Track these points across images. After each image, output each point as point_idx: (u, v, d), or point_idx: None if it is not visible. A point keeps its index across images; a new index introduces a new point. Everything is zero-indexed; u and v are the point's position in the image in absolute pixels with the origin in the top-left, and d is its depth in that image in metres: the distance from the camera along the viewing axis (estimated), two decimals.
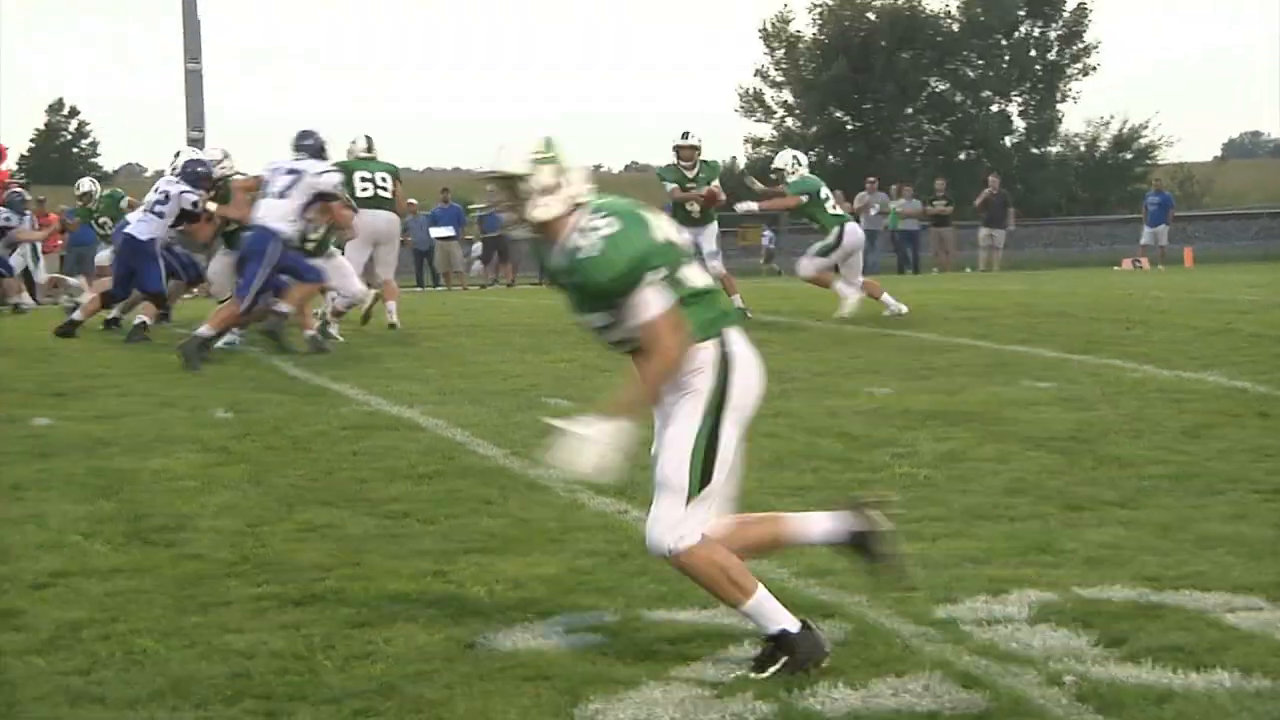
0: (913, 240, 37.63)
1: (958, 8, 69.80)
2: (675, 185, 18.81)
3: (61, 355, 15.76)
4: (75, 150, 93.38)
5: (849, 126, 70.21)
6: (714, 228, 18.96)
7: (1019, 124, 71.25)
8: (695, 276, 5.28)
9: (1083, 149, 70.79)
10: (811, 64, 69.19)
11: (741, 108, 71.01)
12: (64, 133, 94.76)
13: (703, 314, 5.23)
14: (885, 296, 18.54)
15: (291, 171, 15.64)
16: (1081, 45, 69.89)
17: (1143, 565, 6.43)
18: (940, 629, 5.58)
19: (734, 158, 71.14)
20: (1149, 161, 68.13)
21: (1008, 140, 70.73)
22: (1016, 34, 70.01)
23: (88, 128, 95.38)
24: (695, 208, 18.74)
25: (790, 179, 19.12)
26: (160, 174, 19.70)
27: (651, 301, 5.13)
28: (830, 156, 69.58)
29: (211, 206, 17.46)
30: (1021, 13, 69.51)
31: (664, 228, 5.26)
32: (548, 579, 6.41)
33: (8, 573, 6.67)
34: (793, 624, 5.21)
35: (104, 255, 23.19)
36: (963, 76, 70.50)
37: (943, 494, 7.95)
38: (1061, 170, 69.70)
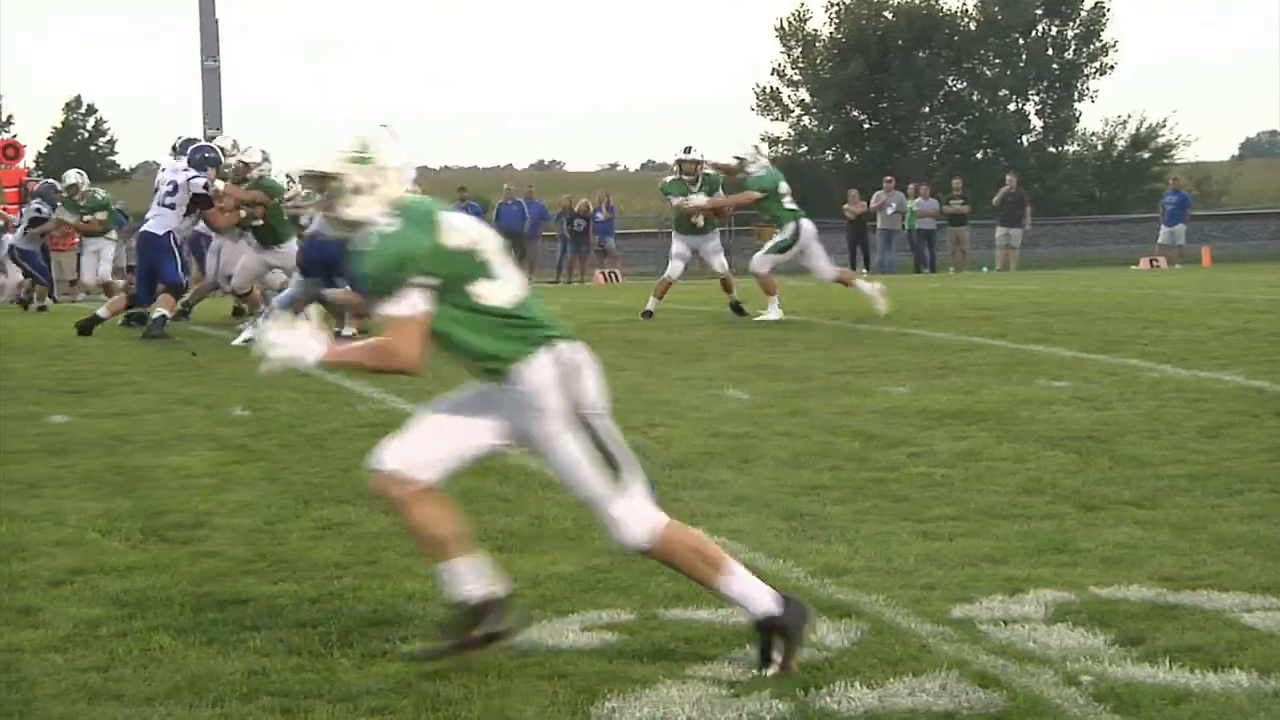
0: (929, 239, 37.60)
1: (975, 7, 69.63)
2: (681, 198, 18.97)
3: (79, 353, 15.80)
4: (93, 148, 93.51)
5: (866, 125, 70.07)
6: (716, 236, 19.30)
7: (1036, 123, 71.08)
8: (498, 295, 5.25)
9: (1100, 148, 70.58)
10: (828, 63, 69.05)
11: (758, 106, 70.94)
12: (81, 130, 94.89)
13: (518, 333, 5.23)
14: (858, 282, 18.71)
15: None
16: (1099, 44, 69.68)
17: (1160, 565, 6.42)
18: (957, 628, 5.58)
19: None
20: (1166, 161, 67.87)
21: (1025, 139, 70.54)
22: (1034, 33, 69.81)
23: (105, 125, 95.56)
24: (700, 220, 18.90)
25: (751, 168, 18.96)
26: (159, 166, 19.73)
27: (402, 301, 5.14)
28: (847, 155, 69.51)
29: (220, 185, 17.54)
30: (1039, 11, 69.31)
31: (460, 237, 5.23)
32: (565, 577, 6.42)
33: (25, 570, 6.69)
34: (774, 602, 5.24)
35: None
36: (980, 75, 70.34)
37: (959, 493, 7.94)
38: (1079, 169, 69.52)
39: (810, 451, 9.19)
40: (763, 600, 5.26)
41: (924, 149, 69.84)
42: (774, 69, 70.63)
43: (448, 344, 5.30)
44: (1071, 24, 69.68)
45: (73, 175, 24.01)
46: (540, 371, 5.22)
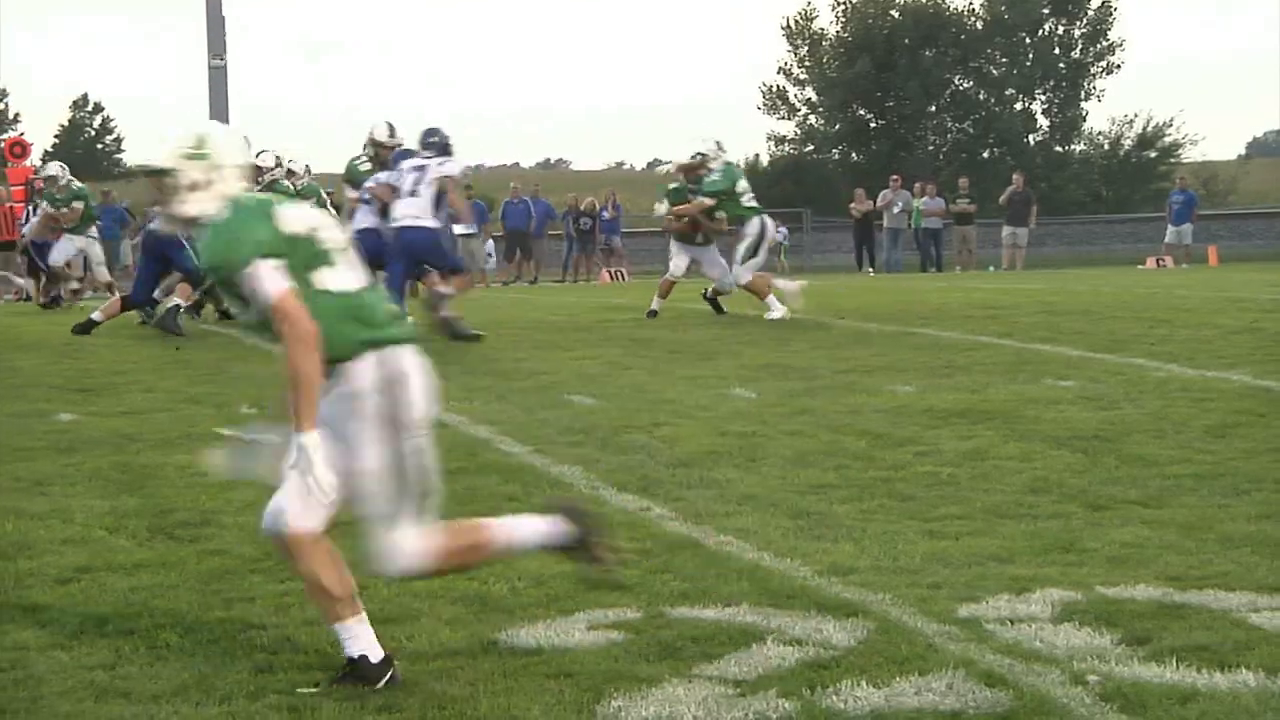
0: (936, 238, 37.61)
1: (982, 5, 69.67)
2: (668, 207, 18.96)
3: (87, 351, 15.80)
4: (99, 146, 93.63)
5: (872, 124, 70.11)
6: (713, 248, 19.06)
7: (1043, 122, 71.10)
8: (341, 282, 5.22)
9: (1107, 147, 70.59)
10: (835, 61, 69.09)
11: (765, 105, 70.97)
12: (88, 129, 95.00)
13: (351, 328, 5.17)
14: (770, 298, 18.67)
15: (418, 168, 16.15)
16: (1105, 43, 69.70)
17: (1166, 565, 6.42)
18: (963, 628, 5.58)
19: (757, 155, 71.17)
20: (1173, 160, 67.88)
21: (1031, 138, 70.56)
22: (1040, 32, 69.84)
23: (112, 124, 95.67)
24: (701, 237, 18.85)
25: (712, 164, 18.89)
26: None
27: (265, 280, 5.06)
28: (853, 154, 69.56)
29: None
30: (1046, 11, 69.35)
31: (297, 224, 5.19)
32: (570, 576, 6.40)
33: (33, 568, 6.70)
34: (555, 523, 5.47)
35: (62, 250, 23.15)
36: (987, 74, 70.36)
37: (965, 492, 7.95)
38: (1085, 169, 69.51)
39: (817, 450, 9.19)
40: (542, 530, 5.44)
41: (930, 148, 69.88)
42: (780, 68, 70.71)
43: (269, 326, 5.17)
44: (1078, 23, 69.73)
45: (53, 168, 24.05)
46: (363, 374, 5.18)
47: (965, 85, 70.58)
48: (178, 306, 17.28)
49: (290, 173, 20.07)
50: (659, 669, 5.18)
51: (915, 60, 67.27)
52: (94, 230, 23.76)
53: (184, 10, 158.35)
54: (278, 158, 19.16)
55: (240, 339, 17.00)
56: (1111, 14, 69.41)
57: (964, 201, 37.90)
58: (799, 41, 70.17)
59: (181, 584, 6.39)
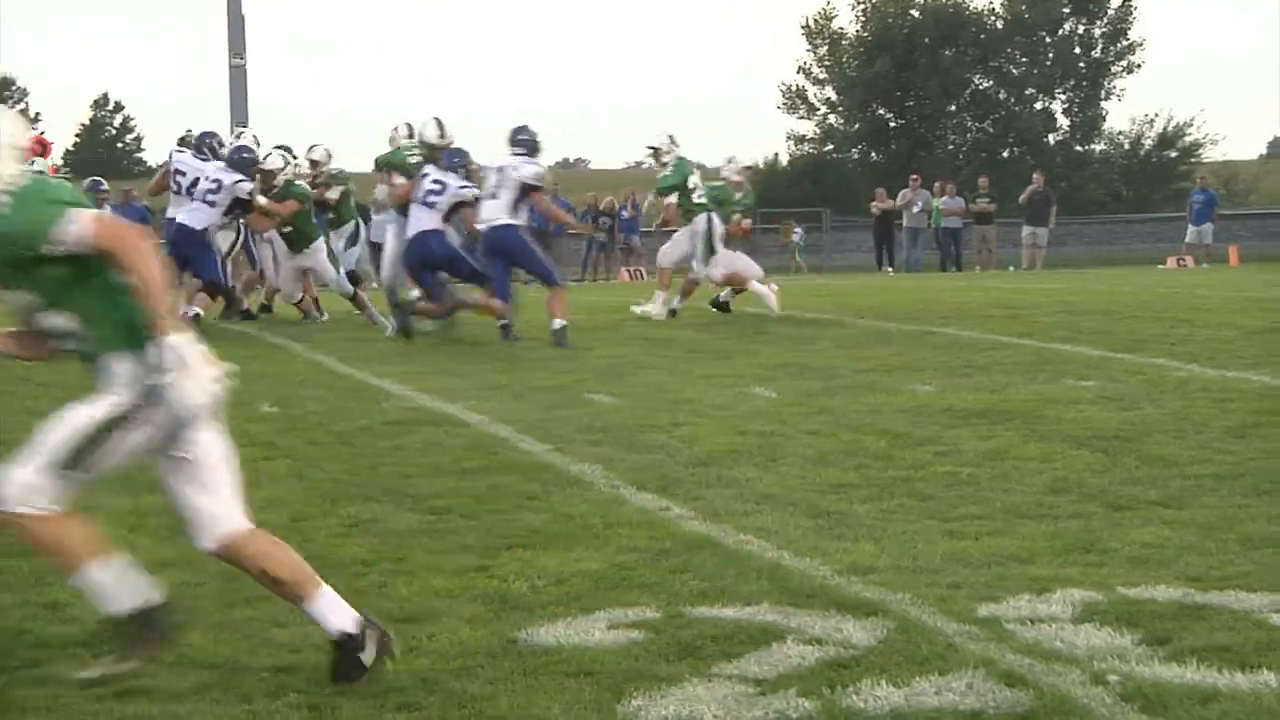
0: (955, 238, 37.57)
1: (1002, 5, 69.60)
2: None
3: None
4: (120, 145, 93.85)
5: (892, 124, 70.05)
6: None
7: (1063, 122, 71.02)
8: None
9: (1127, 147, 70.47)
10: (855, 61, 69.03)
11: (784, 104, 70.93)
12: (109, 128, 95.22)
13: (122, 320, 5.04)
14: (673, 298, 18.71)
15: (499, 170, 16.45)
16: (1126, 43, 69.60)
17: (1187, 565, 6.41)
18: (983, 627, 5.57)
19: (776, 155, 71.14)
20: (1193, 160, 67.72)
21: (1051, 138, 70.47)
22: (1061, 31, 69.74)
23: (132, 123, 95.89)
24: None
25: (665, 159, 18.90)
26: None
27: (78, 222, 4.90)
28: (873, 154, 69.51)
29: (261, 200, 17.77)
30: (1066, 10, 69.23)
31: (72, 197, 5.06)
32: (590, 575, 6.42)
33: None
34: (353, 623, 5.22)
35: None
36: (1006, 74, 70.27)
37: (985, 492, 7.93)
38: (1105, 168, 69.40)
39: (836, 450, 9.18)
40: (342, 619, 5.21)
41: (950, 147, 69.83)
42: (800, 67, 70.65)
43: (66, 305, 5.08)
44: (1099, 22, 69.64)
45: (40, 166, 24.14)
46: (127, 366, 5.06)
47: (985, 85, 70.51)
48: (197, 316, 17.34)
49: (314, 162, 20.11)
50: (679, 668, 5.18)
51: (935, 59, 67.20)
52: None
53: (181, 10, 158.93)
54: (284, 157, 19.20)
55: (257, 337, 17.05)
56: (1132, 13, 69.34)
57: (984, 201, 37.86)
58: (819, 41, 70.12)
59: (202, 582, 6.40)
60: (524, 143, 16.72)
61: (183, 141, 19.88)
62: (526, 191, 16.52)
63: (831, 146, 70.64)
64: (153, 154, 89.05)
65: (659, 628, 5.66)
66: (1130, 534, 6.97)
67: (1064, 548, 6.75)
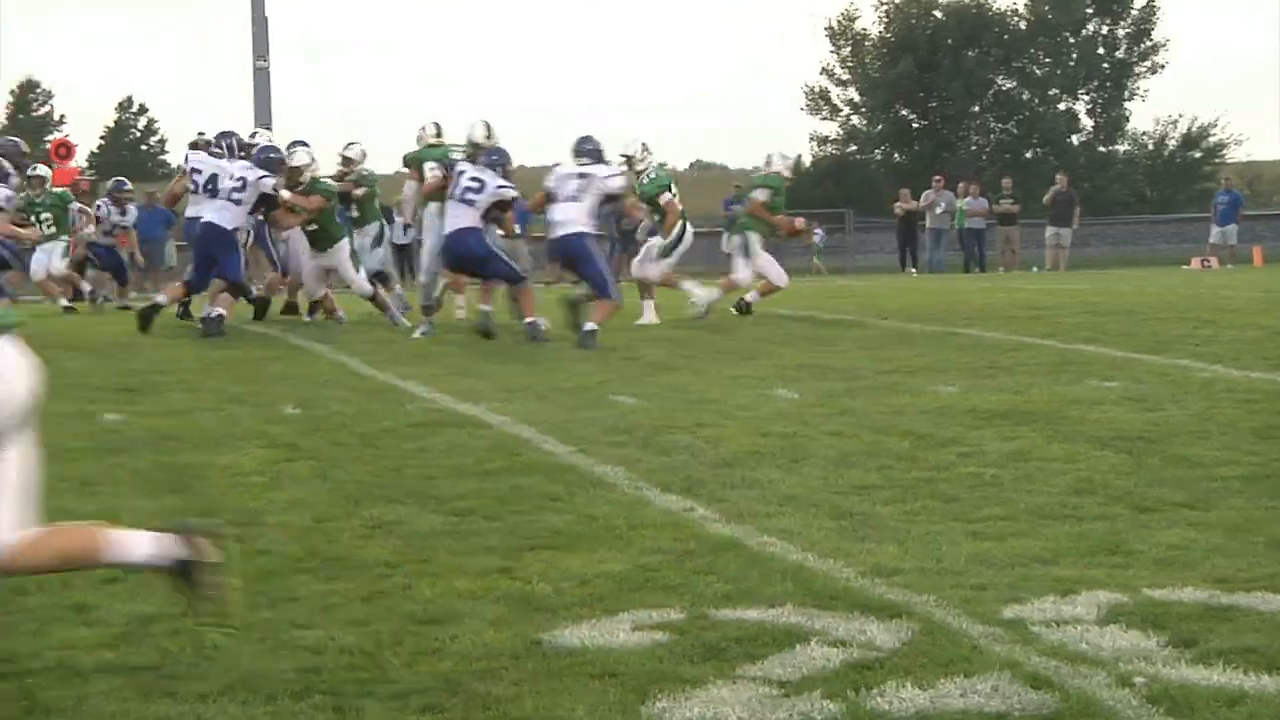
0: (979, 239, 37.53)
1: (1025, 5, 69.49)
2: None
3: (131, 351, 15.88)
4: (144, 147, 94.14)
5: (915, 125, 69.98)
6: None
7: (1086, 122, 70.87)
8: None
9: (1151, 147, 70.32)
10: (878, 62, 68.97)
11: (807, 106, 70.91)
12: (133, 130, 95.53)
13: None
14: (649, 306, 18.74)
15: (581, 175, 16.63)
16: (1150, 43, 69.44)
17: (1213, 566, 6.38)
18: (1008, 629, 5.55)
19: (799, 155, 71.11)
20: (1218, 160, 67.57)
21: (1075, 139, 70.33)
22: (1084, 32, 69.60)
23: (156, 125, 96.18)
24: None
25: (640, 167, 18.92)
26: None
27: None
28: (896, 155, 69.45)
29: (285, 194, 17.85)
30: (1089, 10, 69.10)
31: None
32: (614, 576, 6.41)
33: None
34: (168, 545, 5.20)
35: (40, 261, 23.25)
36: (1030, 75, 70.15)
37: (1009, 493, 7.91)
38: (1129, 169, 69.29)
39: (859, 451, 9.17)
40: (146, 549, 5.19)
41: (973, 148, 69.74)
42: (823, 68, 70.62)
43: None
44: (1122, 23, 69.46)
45: (43, 169, 24.29)
46: None
47: (1008, 85, 70.39)
48: (220, 317, 17.39)
49: (347, 159, 20.18)
50: (703, 670, 5.17)
51: (958, 60, 67.11)
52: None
53: (179, 10, 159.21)
54: (309, 153, 19.31)
55: (280, 339, 17.08)
56: (1155, 14, 69.16)
57: (1007, 202, 37.83)
58: (841, 42, 70.07)
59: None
60: (591, 152, 16.95)
61: (194, 145, 20.02)
62: (609, 199, 16.81)
63: (855, 148, 70.60)
64: (176, 156, 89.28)
65: (683, 629, 5.65)
66: (1156, 535, 6.95)
67: (1089, 549, 6.72)
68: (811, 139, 72.12)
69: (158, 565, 5.24)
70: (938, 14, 68.88)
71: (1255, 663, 5.08)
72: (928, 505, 7.67)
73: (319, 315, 19.54)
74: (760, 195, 19.58)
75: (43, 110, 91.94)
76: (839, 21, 70.02)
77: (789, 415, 10.58)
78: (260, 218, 18.41)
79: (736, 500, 7.83)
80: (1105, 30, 69.77)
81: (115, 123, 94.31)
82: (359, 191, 20.03)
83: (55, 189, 24.28)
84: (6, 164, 17.79)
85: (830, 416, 10.49)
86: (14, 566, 5.03)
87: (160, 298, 18.45)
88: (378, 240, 20.25)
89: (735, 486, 8.20)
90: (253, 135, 20.31)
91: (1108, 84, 69.54)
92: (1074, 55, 69.59)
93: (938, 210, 37.56)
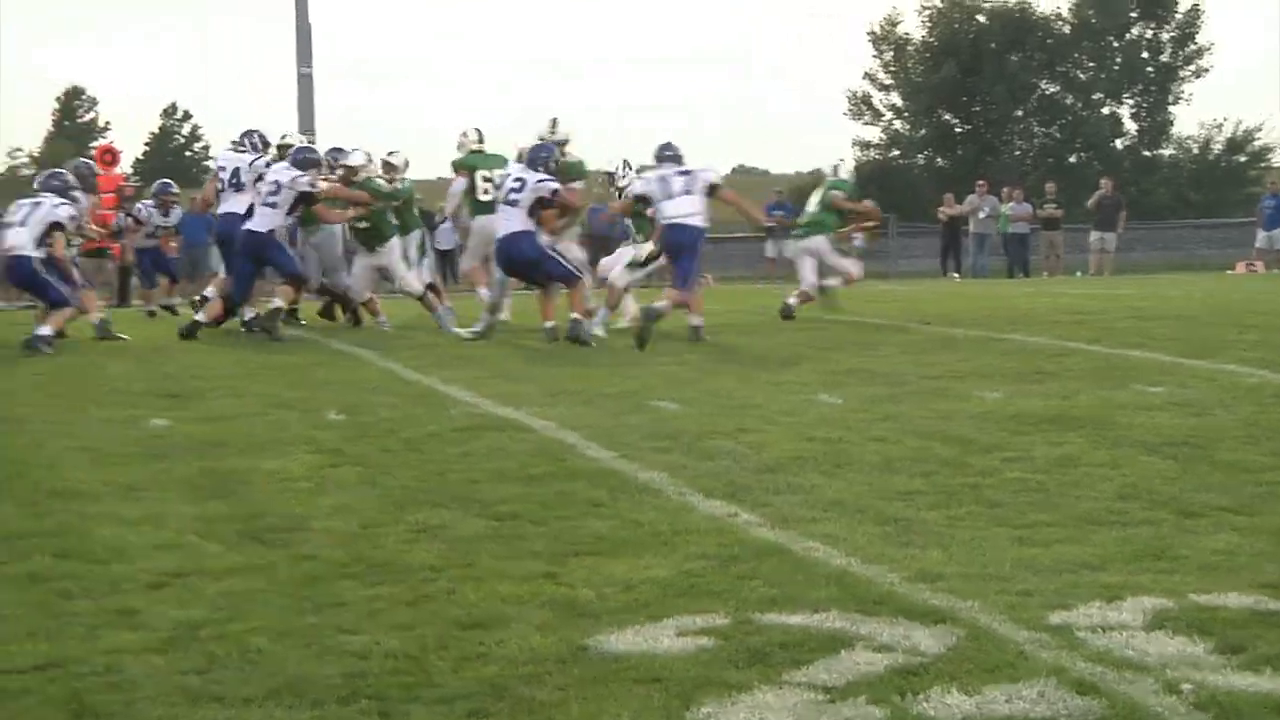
0: (1023, 243, 37.39)
1: (1069, 9, 69.18)
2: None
3: (175, 357, 15.95)
4: (188, 154, 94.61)
5: (958, 129, 69.73)
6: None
7: (1130, 126, 70.51)
8: None
9: (1195, 152, 69.94)
10: (920, 66, 68.75)
11: (850, 110, 70.76)
12: (177, 136, 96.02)
13: None
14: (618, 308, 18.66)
15: (683, 173, 16.96)
16: (1194, 47, 69.02)
17: (1260, 572, 6.35)
18: (1054, 635, 5.54)
19: (841, 160, 70.81)
20: (1263, 164, 67.16)
21: (1119, 143, 70.00)
22: (1128, 36, 69.25)
23: (201, 131, 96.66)
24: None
25: (622, 184, 18.94)
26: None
27: None
28: (939, 159, 69.19)
29: (323, 184, 18.01)
30: (1133, 14, 68.78)
31: None
32: (659, 581, 6.42)
33: (126, 572, 6.76)
34: None
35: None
36: (1074, 79, 69.83)
37: (1055, 499, 7.89)
38: (1174, 173, 68.90)
39: (904, 456, 9.15)
40: None
41: (1017, 153, 69.45)
42: (866, 73, 70.45)
43: None
44: (1166, 27, 69.08)
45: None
46: None
47: (1052, 90, 70.07)
48: (279, 309, 17.52)
49: (389, 165, 20.27)
50: (748, 675, 5.17)
51: (1001, 64, 66.85)
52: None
53: (180, 9, 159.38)
54: (368, 155, 19.52)
55: (325, 343, 17.14)
56: (1200, 17, 68.77)
57: (1051, 206, 37.66)
58: (884, 46, 69.90)
59: (272, 589, 6.43)
60: (671, 157, 17.19)
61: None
62: (713, 192, 17.05)
63: (897, 152, 70.41)
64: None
65: (728, 634, 5.65)
66: (1202, 541, 6.92)
67: (1135, 555, 6.70)
68: (854, 144, 71.94)
69: None
70: (981, 18, 68.61)
71: None
72: (973, 511, 7.65)
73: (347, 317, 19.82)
74: (839, 195, 20.84)
75: (88, 117, 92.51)
76: (882, 26, 69.89)
77: (832, 420, 10.56)
78: (297, 218, 18.47)
79: (780, 505, 7.82)
80: (1149, 34, 69.40)
81: (160, 129, 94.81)
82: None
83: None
84: (74, 182, 17.99)
85: (874, 422, 10.47)
86: None
87: (200, 316, 18.51)
88: (421, 248, 20.30)
89: (779, 492, 8.19)
90: (283, 137, 20.42)
91: (1152, 88, 69.17)
92: (1118, 59, 69.25)
93: (981, 215, 37.44)
